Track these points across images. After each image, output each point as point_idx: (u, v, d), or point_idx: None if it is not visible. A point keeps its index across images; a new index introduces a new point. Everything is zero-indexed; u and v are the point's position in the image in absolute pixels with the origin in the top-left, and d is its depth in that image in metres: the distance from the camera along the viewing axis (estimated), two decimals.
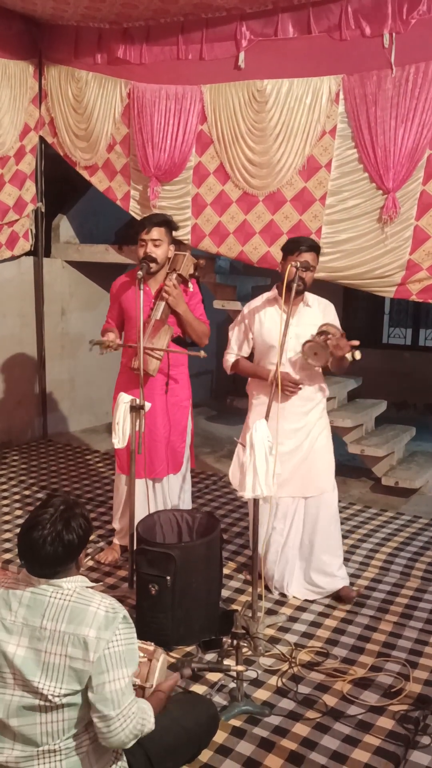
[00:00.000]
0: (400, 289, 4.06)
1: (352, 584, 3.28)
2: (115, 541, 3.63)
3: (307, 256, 2.96)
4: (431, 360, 7.30)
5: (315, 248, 3.02)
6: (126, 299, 3.35)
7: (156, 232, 3.19)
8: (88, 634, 1.63)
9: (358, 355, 2.84)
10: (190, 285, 3.37)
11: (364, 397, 5.36)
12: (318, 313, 3.10)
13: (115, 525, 3.62)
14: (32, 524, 1.72)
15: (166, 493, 3.46)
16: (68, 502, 1.78)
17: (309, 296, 3.13)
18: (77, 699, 1.66)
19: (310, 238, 3.14)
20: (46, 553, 1.69)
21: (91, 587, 1.76)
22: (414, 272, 3.97)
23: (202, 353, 3.18)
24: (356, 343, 2.85)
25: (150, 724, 1.77)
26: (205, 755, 2.14)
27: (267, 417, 2.84)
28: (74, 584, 1.72)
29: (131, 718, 1.67)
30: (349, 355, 2.84)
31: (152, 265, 3.17)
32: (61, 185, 5.74)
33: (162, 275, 3.30)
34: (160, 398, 3.34)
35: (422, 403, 7.21)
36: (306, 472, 3.11)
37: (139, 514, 3.16)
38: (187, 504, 3.63)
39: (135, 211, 4.87)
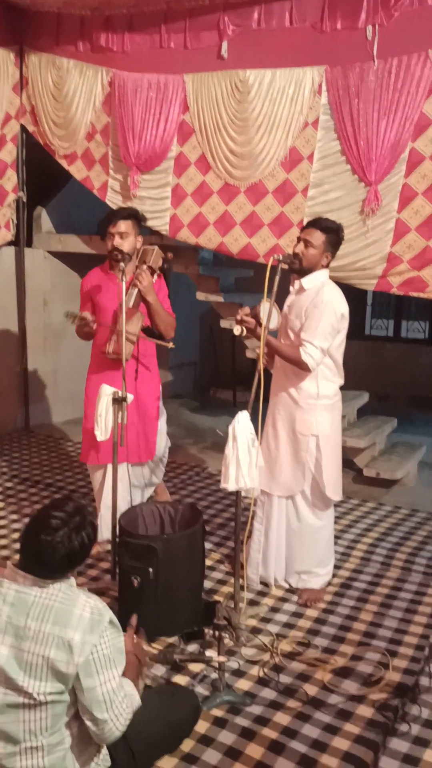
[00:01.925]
0: (381, 282, 4.08)
1: (333, 575, 3.30)
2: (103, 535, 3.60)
3: (310, 233, 2.96)
4: (413, 352, 7.36)
5: (318, 226, 2.97)
6: (97, 291, 3.45)
7: (123, 225, 3.33)
8: (73, 637, 1.63)
9: (236, 331, 2.92)
10: (155, 277, 3.48)
11: (346, 388, 5.34)
12: (306, 303, 2.95)
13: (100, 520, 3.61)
14: (42, 526, 1.70)
15: (139, 476, 3.62)
16: (81, 510, 1.76)
17: (311, 281, 2.99)
18: (63, 697, 1.67)
19: (324, 218, 3.09)
20: (53, 560, 1.69)
21: (77, 589, 1.75)
22: (395, 265, 3.99)
23: (171, 344, 3.42)
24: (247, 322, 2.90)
25: (137, 701, 1.79)
26: (187, 745, 2.15)
27: (251, 404, 2.82)
28: (60, 584, 1.72)
29: (122, 715, 1.70)
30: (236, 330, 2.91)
31: (118, 256, 3.24)
32: (43, 175, 5.67)
33: (131, 267, 3.42)
34: (130, 384, 3.39)
35: (404, 394, 7.27)
36: (271, 469, 3.08)
37: (118, 502, 3.20)
38: (158, 478, 3.85)
39: (112, 200, 4.84)
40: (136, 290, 3.35)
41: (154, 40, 4.48)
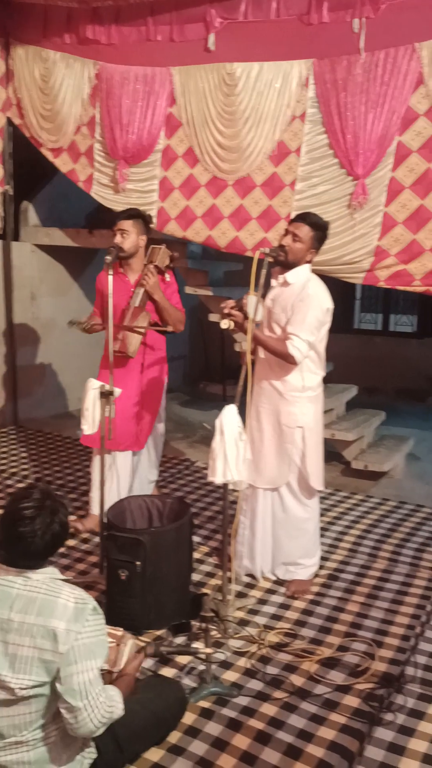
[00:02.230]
0: (368, 276, 4.09)
1: (320, 567, 3.32)
2: (91, 510, 3.79)
3: (298, 227, 2.97)
4: (401, 345, 7.39)
5: (307, 221, 2.98)
6: (106, 288, 3.52)
7: (124, 224, 3.51)
8: (57, 626, 1.63)
9: (223, 324, 2.88)
10: (167, 276, 3.64)
11: (335, 382, 5.40)
12: (292, 297, 2.96)
13: (93, 495, 3.77)
14: (17, 518, 1.70)
15: (143, 462, 3.83)
16: (48, 494, 1.78)
17: (295, 275, 3.00)
18: (44, 690, 1.66)
19: (313, 214, 3.10)
20: (36, 547, 1.70)
21: (61, 579, 1.76)
22: (382, 258, 4.00)
23: (170, 327, 3.57)
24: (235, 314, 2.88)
25: (119, 710, 1.78)
26: (174, 736, 2.17)
27: (239, 397, 2.83)
28: (43, 575, 1.72)
29: (99, 708, 1.68)
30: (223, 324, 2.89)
31: (112, 250, 3.37)
32: (30, 168, 5.64)
33: (139, 266, 3.60)
34: (135, 377, 3.60)
35: (392, 388, 7.31)
36: (256, 461, 3.08)
37: (121, 488, 3.58)
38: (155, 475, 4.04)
39: (98, 193, 4.82)
40: (143, 289, 3.50)
41: (141, 32, 4.45)
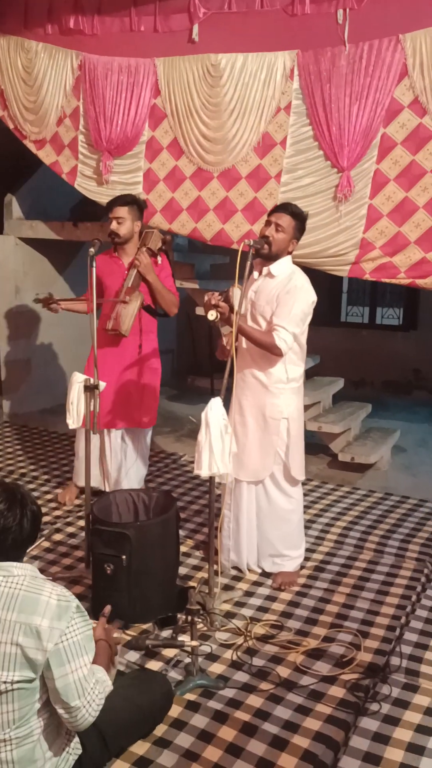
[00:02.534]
0: (353, 268, 4.09)
1: (307, 558, 3.33)
2: (74, 480, 4.00)
3: (280, 217, 2.96)
4: (388, 338, 7.41)
5: (287, 211, 2.98)
6: (102, 273, 3.67)
7: (119, 211, 3.61)
8: (40, 623, 1.62)
9: (211, 316, 2.85)
10: (159, 258, 3.73)
11: (321, 375, 5.41)
12: (277, 289, 2.96)
13: (77, 465, 3.94)
14: None
15: (135, 443, 3.89)
16: (15, 487, 1.81)
17: (279, 267, 3.00)
18: (31, 686, 1.65)
19: (293, 204, 3.10)
20: (24, 532, 1.73)
21: (41, 578, 1.75)
22: (367, 251, 4.00)
23: (154, 306, 3.72)
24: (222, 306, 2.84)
25: (109, 686, 1.80)
26: (160, 729, 2.17)
27: (224, 390, 2.82)
28: (24, 571, 1.71)
29: (94, 701, 1.70)
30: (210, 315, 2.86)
31: (115, 238, 3.63)
32: (14, 160, 5.58)
33: (132, 250, 3.70)
34: (131, 358, 3.72)
35: (379, 380, 7.33)
36: (239, 454, 3.05)
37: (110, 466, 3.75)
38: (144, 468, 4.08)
39: (82, 185, 4.78)
40: (136, 270, 3.60)
41: (124, 22, 4.41)
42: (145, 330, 3.72)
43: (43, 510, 3.87)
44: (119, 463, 3.81)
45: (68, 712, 1.66)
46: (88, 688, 1.67)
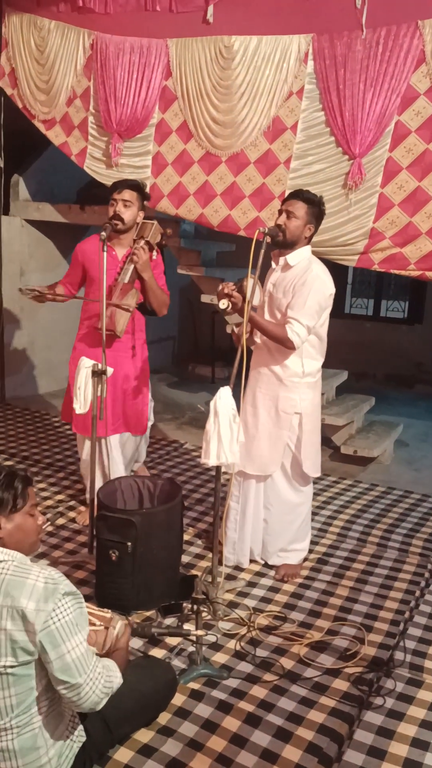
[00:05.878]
0: (362, 258, 4.04)
1: (310, 551, 3.31)
2: (83, 480, 3.78)
3: (292, 204, 2.89)
4: (392, 331, 7.38)
5: (299, 197, 2.92)
6: (91, 262, 3.38)
7: (127, 194, 3.30)
8: (26, 606, 1.58)
9: (222, 305, 2.83)
10: (155, 253, 3.44)
11: (325, 367, 5.34)
12: (294, 280, 2.90)
13: (82, 469, 3.72)
14: None
15: (129, 450, 3.71)
16: None
17: (296, 257, 2.93)
18: (23, 671, 1.62)
19: (305, 190, 3.03)
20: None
21: (29, 563, 1.72)
22: (377, 241, 3.95)
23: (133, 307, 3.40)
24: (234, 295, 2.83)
25: (118, 679, 1.77)
26: (164, 718, 2.15)
27: (233, 380, 2.78)
28: (11, 557, 1.68)
29: (98, 679, 1.67)
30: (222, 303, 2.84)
31: (118, 224, 3.27)
32: (21, 140, 5.51)
33: (129, 241, 3.40)
34: (127, 361, 3.43)
35: (382, 373, 7.30)
36: (248, 447, 3.03)
37: (113, 470, 3.43)
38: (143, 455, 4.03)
39: (90, 167, 4.71)
40: (133, 266, 3.30)
41: (139, 1, 4.33)
42: (137, 329, 3.49)
43: (46, 495, 3.87)
44: (124, 466, 3.60)
45: (71, 690, 1.63)
46: (88, 666, 1.64)
